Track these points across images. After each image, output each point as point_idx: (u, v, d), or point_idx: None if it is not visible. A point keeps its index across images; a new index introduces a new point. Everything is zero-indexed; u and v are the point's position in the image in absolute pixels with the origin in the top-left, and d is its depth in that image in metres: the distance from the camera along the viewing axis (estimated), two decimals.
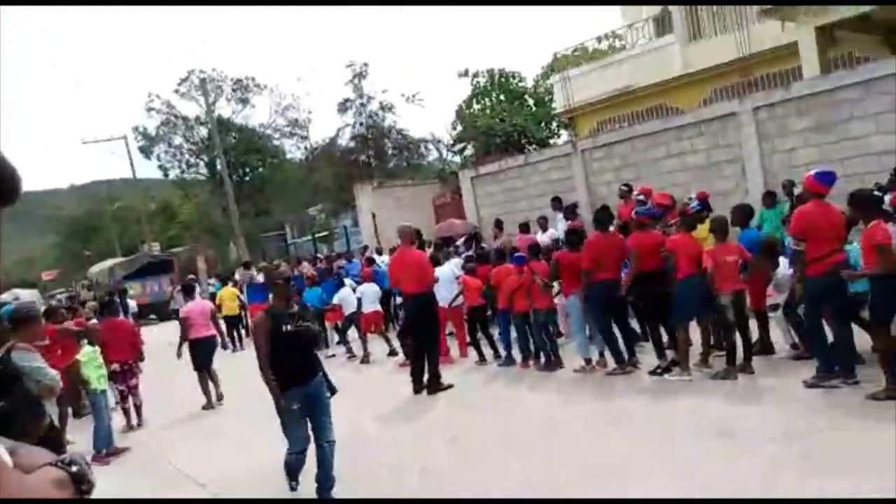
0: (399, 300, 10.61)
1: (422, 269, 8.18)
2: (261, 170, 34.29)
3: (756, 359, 6.75)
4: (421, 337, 8.23)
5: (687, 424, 5.52)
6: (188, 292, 10.95)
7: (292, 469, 5.12)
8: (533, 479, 4.89)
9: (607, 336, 7.52)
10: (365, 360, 10.77)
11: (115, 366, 8.35)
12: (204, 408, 9.26)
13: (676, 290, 6.80)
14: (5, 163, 1.05)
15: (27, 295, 30.82)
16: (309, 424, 5.01)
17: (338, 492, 5.10)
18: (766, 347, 7.10)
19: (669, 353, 7.14)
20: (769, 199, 9.65)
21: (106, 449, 7.53)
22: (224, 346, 10.45)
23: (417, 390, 8.00)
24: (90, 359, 7.72)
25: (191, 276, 21.01)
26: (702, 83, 16.75)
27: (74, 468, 1.11)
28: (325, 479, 5.03)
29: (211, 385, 9.38)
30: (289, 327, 4.88)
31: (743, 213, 7.29)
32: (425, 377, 8.05)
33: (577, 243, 7.85)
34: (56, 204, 62.86)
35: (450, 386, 8.01)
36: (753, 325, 7.04)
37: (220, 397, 9.40)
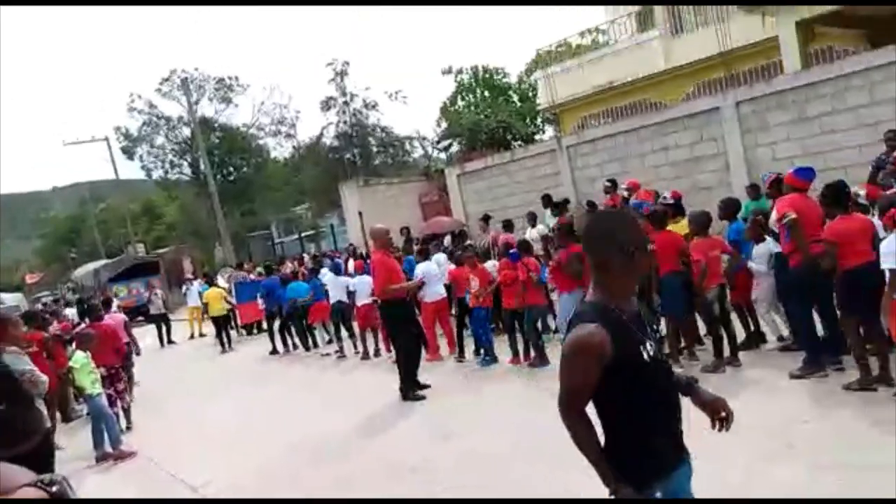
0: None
1: (381, 276, 7.79)
2: (245, 170, 34.10)
3: (745, 352, 6.85)
4: (402, 343, 7.97)
5: None
6: (105, 305, 11.85)
7: None
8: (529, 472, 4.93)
9: None
10: (365, 356, 10.60)
11: (102, 370, 8.30)
12: None
13: (661, 287, 6.86)
14: None
15: (12, 299, 30.52)
16: None
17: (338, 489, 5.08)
18: (757, 339, 7.19)
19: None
20: (753, 191, 9.74)
21: (115, 449, 7.51)
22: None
23: (406, 397, 7.69)
24: (83, 365, 7.64)
25: (188, 277, 21.04)
26: (685, 78, 16.90)
27: (55, 488, 1.09)
28: None
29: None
30: (650, 350, 2.25)
31: (729, 207, 7.35)
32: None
33: (572, 237, 7.71)
34: (39, 206, 62.25)
35: (425, 387, 7.82)
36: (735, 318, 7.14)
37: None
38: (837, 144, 10.63)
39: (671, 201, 8.00)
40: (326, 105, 29.36)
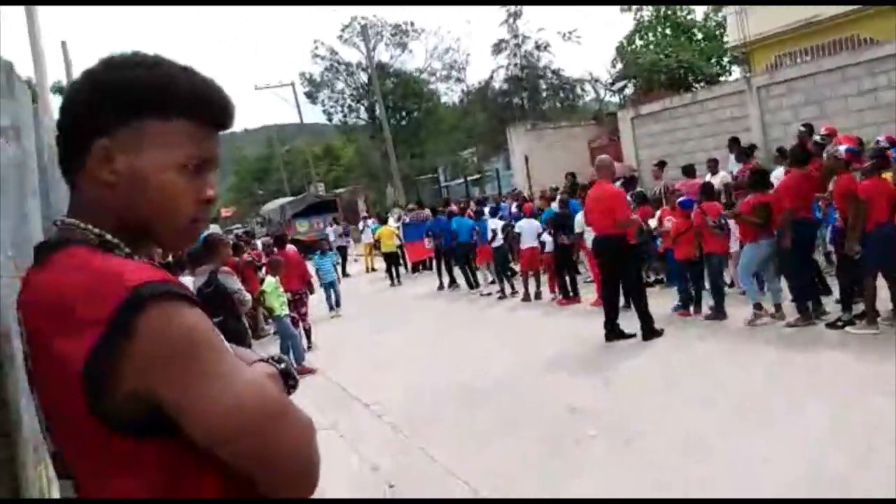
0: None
1: (615, 207, 7.35)
2: (416, 114, 34.99)
3: None
4: (613, 282, 7.55)
5: (866, 381, 5.10)
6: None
7: None
8: (689, 426, 4.77)
9: (802, 281, 6.92)
10: (526, 298, 10.76)
11: (288, 295, 9.03)
12: None
13: (867, 239, 6.17)
14: (221, 89, 1.12)
15: (211, 229, 34.03)
16: None
17: (496, 429, 5.21)
18: None
19: (856, 308, 6.58)
20: None
21: (298, 365, 8.25)
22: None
23: (609, 337, 7.35)
24: (273, 289, 8.38)
25: (363, 215, 22.48)
26: None
27: (282, 365, 1.21)
28: None
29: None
30: None
31: None
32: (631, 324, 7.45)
33: (763, 185, 7.33)
34: (233, 146, 68.13)
35: (661, 331, 7.33)
36: None
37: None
38: None
39: (886, 145, 7.13)
40: (498, 48, 29.18)
